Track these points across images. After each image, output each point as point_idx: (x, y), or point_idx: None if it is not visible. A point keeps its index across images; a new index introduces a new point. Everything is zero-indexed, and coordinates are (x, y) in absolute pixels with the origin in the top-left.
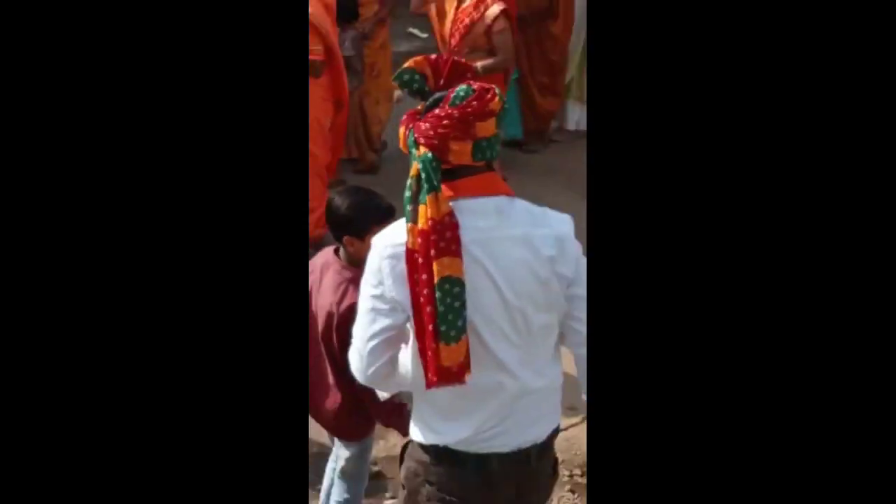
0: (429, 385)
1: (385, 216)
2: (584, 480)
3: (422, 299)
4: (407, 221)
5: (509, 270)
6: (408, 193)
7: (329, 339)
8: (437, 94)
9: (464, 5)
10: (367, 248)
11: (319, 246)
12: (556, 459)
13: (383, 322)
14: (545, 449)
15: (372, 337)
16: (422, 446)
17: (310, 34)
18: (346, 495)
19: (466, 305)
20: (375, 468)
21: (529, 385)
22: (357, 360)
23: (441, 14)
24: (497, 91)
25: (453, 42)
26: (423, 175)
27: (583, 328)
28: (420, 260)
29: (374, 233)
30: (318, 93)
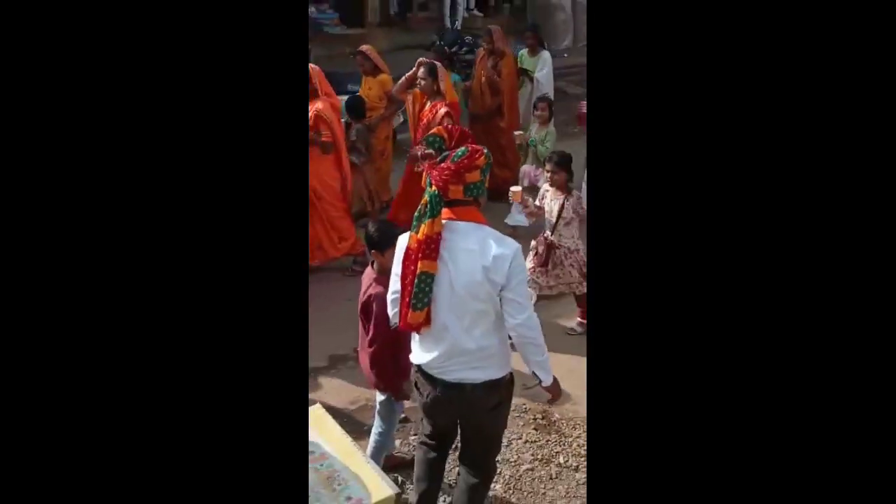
0: (401, 329)
1: (394, 240)
2: (545, 422)
3: (406, 281)
4: (412, 231)
5: (459, 271)
6: (417, 214)
7: (360, 318)
8: (445, 153)
9: (424, 109)
10: (386, 259)
11: (363, 262)
12: (499, 402)
13: (396, 286)
14: (481, 389)
15: (391, 294)
16: (414, 363)
17: (322, 124)
18: (380, 430)
19: (432, 289)
20: (403, 415)
21: (463, 345)
22: (388, 307)
23: (413, 104)
24: (485, 152)
25: (418, 133)
26: (429, 204)
27: (513, 320)
28: (413, 256)
29: (392, 249)
30: (329, 164)
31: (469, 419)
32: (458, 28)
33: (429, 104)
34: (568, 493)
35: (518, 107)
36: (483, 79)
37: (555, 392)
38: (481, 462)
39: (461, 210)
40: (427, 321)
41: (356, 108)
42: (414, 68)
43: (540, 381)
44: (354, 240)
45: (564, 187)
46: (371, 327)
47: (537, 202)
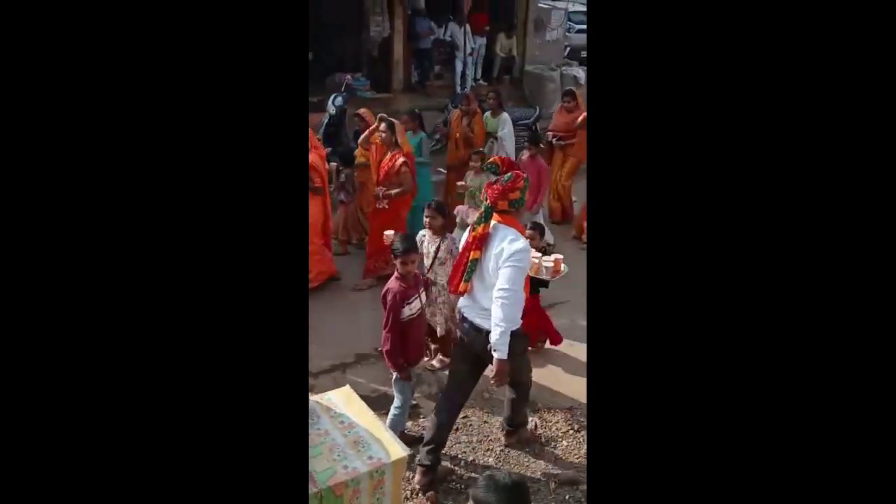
0: (452, 293)
1: (412, 250)
2: (543, 406)
3: (462, 262)
4: (472, 230)
5: (486, 255)
6: (477, 218)
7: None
8: (497, 176)
9: (385, 158)
10: (403, 265)
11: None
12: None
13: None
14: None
15: (454, 270)
16: (458, 306)
17: (313, 172)
18: (397, 403)
19: (476, 269)
20: (415, 402)
21: (482, 303)
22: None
23: (375, 153)
24: (525, 177)
25: (380, 178)
26: (484, 213)
27: (496, 287)
28: (469, 247)
29: (410, 258)
30: (317, 203)
31: (482, 359)
32: (467, 93)
33: (388, 154)
34: (546, 464)
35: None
36: (458, 135)
37: (499, 374)
38: (516, 384)
39: (505, 217)
40: (468, 288)
41: (345, 157)
42: (376, 123)
43: (492, 350)
44: (316, 274)
45: (440, 231)
46: (385, 314)
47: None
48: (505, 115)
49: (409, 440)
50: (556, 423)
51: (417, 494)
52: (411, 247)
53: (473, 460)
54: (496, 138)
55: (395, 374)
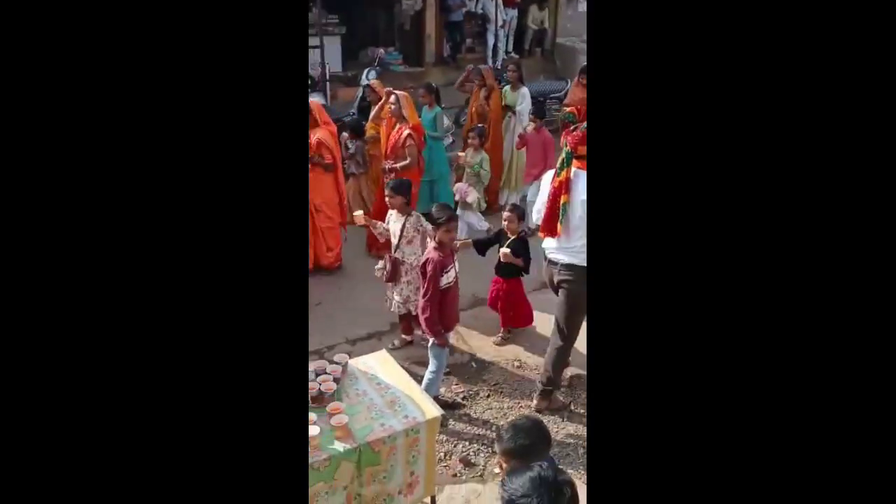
0: (542, 235)
1: (454, 218)
2: (574, 374)
3: (553, 205)
4: (556, 175)
5: (574, 200)
6: (560, 163)
7: (419, 276)
8: (577, 124)
9: (393, 131)
10: (447, 233)
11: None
12: (572, 280)
13: (541, 206)
14: (564, 266)
15: (536, 212)
16: (543, 246)
17: (324, 149)
18: (432, 368)
19: (566, 211)
20: (447, 370)
21: (561, 243)
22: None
23: (386, 126)
24: None
25: (388, 150)
26: (565, 158)
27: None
28: (557, 191)
29: (451, 226)
30: (329, 181)
31: (560, 287)
32: (499, 67)
33: (396, 127)
34: (576, 429)
35: (501, 131)
36: (474, 109)
37: None
38: (564, 329)
39: (584, 163)
40: (558, 230)
41: (355, 128)
42: (384, 97)
43: None
44: (339, 251)
45: (403, 209)
46: (425, 283)
47: (385, 224)
48: (524, 90)
49: (443, 404)
50: (583, 392)
51: (451, 456)
52: (453, 215)
53: (504, 425)
54: (514, 112)
55: (431, 340)
